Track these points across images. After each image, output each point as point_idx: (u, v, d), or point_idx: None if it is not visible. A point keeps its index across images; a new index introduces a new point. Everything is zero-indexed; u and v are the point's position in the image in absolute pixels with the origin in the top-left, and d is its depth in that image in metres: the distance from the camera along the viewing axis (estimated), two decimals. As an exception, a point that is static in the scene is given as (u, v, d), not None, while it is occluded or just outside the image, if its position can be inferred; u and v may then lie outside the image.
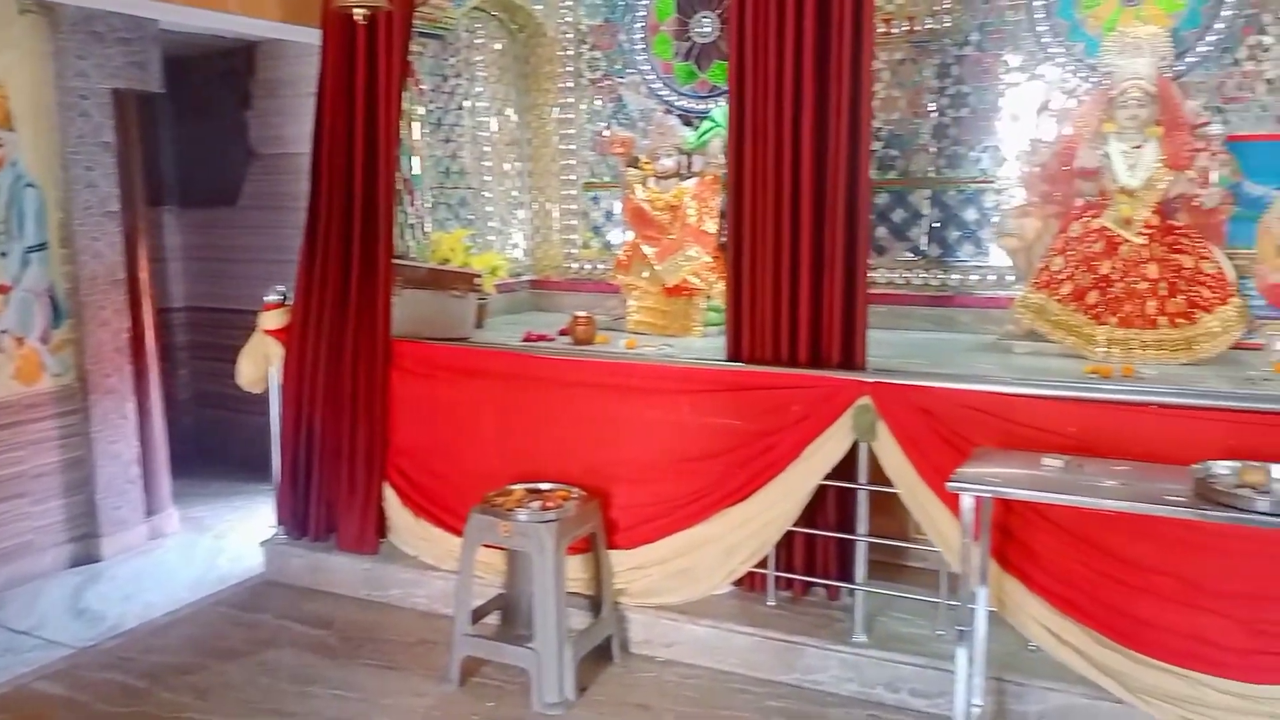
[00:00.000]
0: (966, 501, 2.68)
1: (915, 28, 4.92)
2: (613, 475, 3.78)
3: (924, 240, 5.03)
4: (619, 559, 3.76)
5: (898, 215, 5.08)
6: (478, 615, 3.63)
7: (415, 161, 5.21)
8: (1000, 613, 3.16)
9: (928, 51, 4.93)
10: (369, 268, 4.22)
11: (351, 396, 4.24)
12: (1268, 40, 4.32)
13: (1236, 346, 3.97)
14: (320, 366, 4.30)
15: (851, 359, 3.56)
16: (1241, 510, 2.38)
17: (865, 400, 3.31)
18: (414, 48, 4.79)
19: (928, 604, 3.45)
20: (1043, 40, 4.69)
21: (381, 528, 4.32)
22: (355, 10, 3.57)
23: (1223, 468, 2.59)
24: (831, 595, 3.70)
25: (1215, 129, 4.03)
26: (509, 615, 3.79)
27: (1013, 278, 4.66)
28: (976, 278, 4.95)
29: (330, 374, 4.29)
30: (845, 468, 3.42)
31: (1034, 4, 4.68)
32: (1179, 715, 2.88)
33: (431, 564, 4.17)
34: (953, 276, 5.00)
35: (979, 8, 4.79)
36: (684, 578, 3.70)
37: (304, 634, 3.98)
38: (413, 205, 5.16)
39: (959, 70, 4.87)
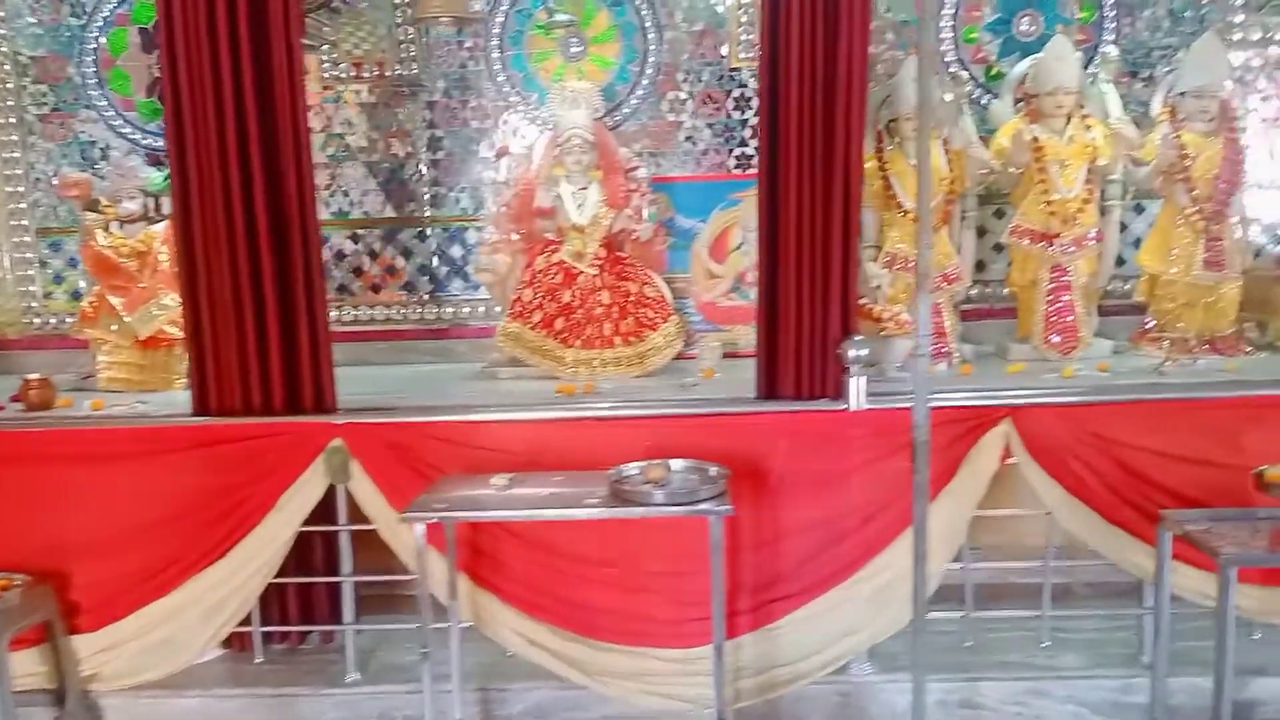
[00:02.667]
0: (418, 529, 2.82)
1: (386, 72, 5.09)
2: (73, 553, 3.43)
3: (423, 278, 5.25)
4: (86, 643, 3.42)
5: (390, 252, 5.23)
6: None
7: None
8: (479, 627, 3.37)
9: (402, 96, 5.13)
10: None
11: None
12: (683, 95, 5.10)
13: (679, 357, 4.63)
14: None
15: (323, 401, 3.58)
16: (642, 504, 2.79)
17: (337, 442, 3.35)
18: None
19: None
20: (503, 90, 5.10)
21: None
22: None
23: (633, 468, 3.00)
24: (326, 639, 3.70)
25: (643, 171, 4.65)
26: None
27: (498, 308, 5.00)
28: (468, 310, 5.24)
29: None
30: (328, 510, 3.44)
31: (491, 56, 5.08)
32: (632, 689, 3.29)
33: None
34: (447, 310, 5.25)
35: (444, 56, 5.09)
36: (165, 649, 3.46)
37: None
38: None
39: (432, 115, 5.13)
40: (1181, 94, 4.52)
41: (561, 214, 4.56)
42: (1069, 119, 4.51)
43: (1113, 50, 4.74)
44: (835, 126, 3.33)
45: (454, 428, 3.41)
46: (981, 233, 5.05)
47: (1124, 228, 5.04)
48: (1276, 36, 4.99)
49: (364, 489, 3.35)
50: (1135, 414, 3.30)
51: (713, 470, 2.96)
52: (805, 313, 3.41)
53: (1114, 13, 4.98)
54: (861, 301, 4.21)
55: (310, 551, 3.58)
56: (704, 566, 2.89)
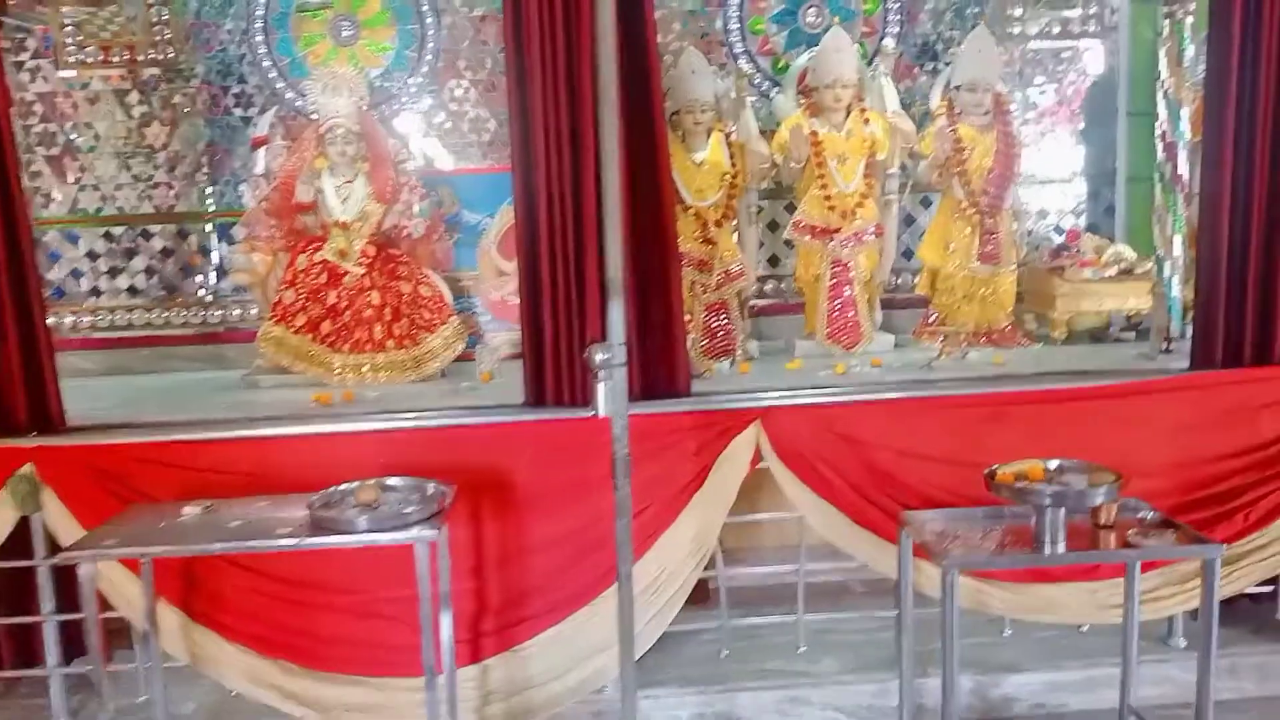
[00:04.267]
0: (83, 570, 2.52)
1: (138, 57, 4.68)
2: None
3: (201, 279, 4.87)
4: None
5: (149, 252, 4.83)
6: None
7: None
8: (196, 666, 3.08)
9: (158, 82, 4.73)
10: None
11: None
12: (465, 84, 4.86)
13: (461, 359, 4.40)
14: None
15: (46, 418, 3.22)
16: (340, 532, 2.56)
17: (26, 468, 3.00)
18: None
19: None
20: (269, 76, 4.76)
21: None
22: None
23: (345, 489, 2.76)
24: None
25: (414, 163, 4.40)
26: None
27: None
28: (239, 312, 4.88)
29: None
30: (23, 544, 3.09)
31: (256, 40, 4.73)
32: (369, 722, 3.06)
33: None
34: (215, 312, 4.88)
35: (202, 40, 4.71)
36: None
37: None
38: None
39: (193, 103, 4.75)
40: (957, 87, 4.55)
41: (324, 209, 4.27)
42: (849, 112, 4.48)
43: (890, 43, 4.74)
44: (583, 115, 3.14)
45: (170, 449, 3.11)
46: (775, 227, 5.00)
47: (912, 221, 5.09)
48: (1054, 29, 5.09)
49: (59, 520, 3.02)
50: (881, 413, 3.25)
51: (431, 489, 2.75)
52: (563, 314, 3.22)
53: (897, 5, 4.97)
54: (638, 300, 4.10)
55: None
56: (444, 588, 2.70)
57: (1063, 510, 2.69)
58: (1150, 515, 2.86)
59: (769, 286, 5.06)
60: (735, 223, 4.53)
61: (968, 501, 3.07)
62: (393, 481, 2.80)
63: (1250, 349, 3.35)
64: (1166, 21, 4.01)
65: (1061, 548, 2.68)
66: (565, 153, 3.15)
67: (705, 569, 3.25)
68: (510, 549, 3.11)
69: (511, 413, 3.27)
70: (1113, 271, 4.57)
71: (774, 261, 5.06)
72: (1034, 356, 4.36)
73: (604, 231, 2.66)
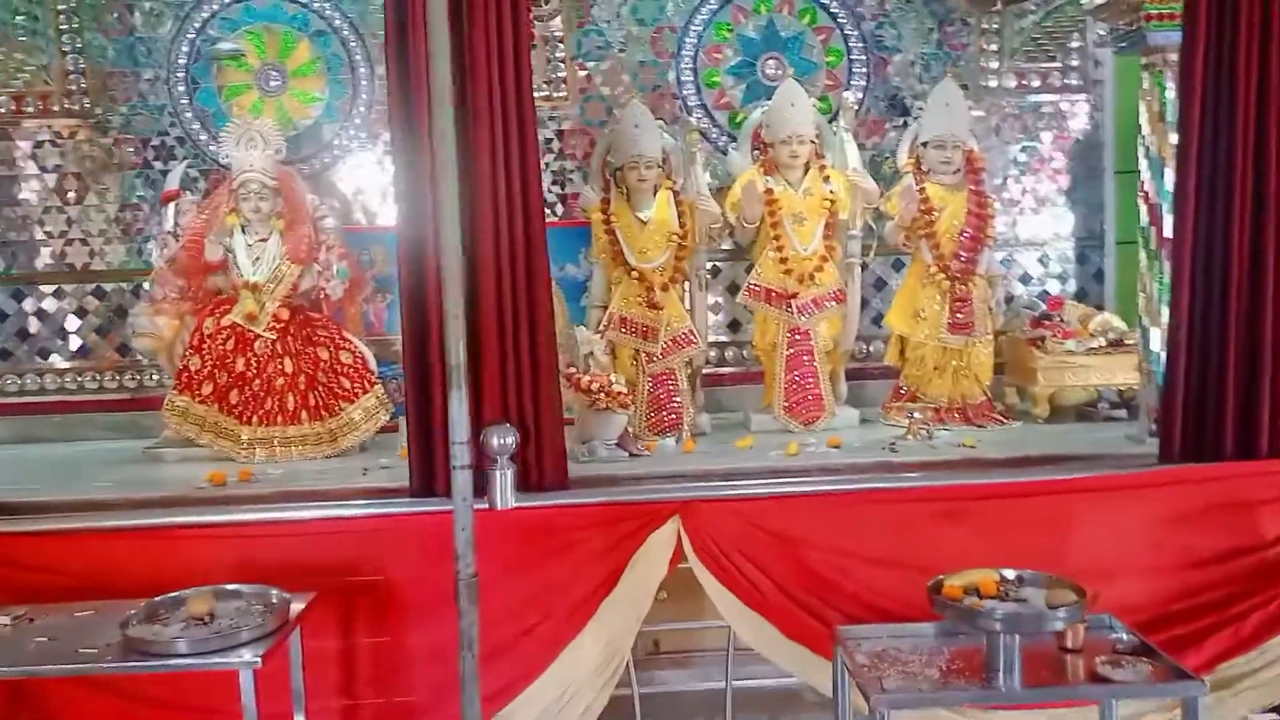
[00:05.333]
0: None
1: (52, 107, 4.41)
2: None
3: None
4: None
5: (61, 313, 4.51)
6: None
7: None
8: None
9: (74, 133, 4.45)
10: None
11: None
12: (401, 138, 4.56)
13: (384, 430, 4.03)
14: None
15: None
16: (154, 656, 2.17)
17: None
18: None
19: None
20: (192, 128, 4.47)
21: None
22: None
23: (175, 597, 2.37)
24: None
25: (332, 221, 4.07)
26: None
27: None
28: (156, 378, 4.53)
29: None
30: None
31: (177, 90, 4.45)
32: None
33: None
34: (130, 378, 4.55)
35: (121, 87, 4.44)
36: None
37: None
38: None
39: (111, 155, 4.46)
40: (924, 144, 4.21)
41: (234, 269, 3.94)
42: (807, 170, 4.15)
43: (850, 95, 4.42)
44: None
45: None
46: (735, 289, 4.64)
47: (883, 285, 4.73)
48: (1033, 83, 4.77)
49: None
50: (820, 508, 2.85)
51: (276, 597, 2.36)
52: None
53: (863, 57, 4.66)
54: (570, 371, 3.74)
55: None
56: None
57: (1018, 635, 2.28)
58: (1125, 639, 2.45)
59: (730, 354, 4.69)
60: (686, 286, 4.20)
61: (919, 612, 2.63)
62: (235, 588, 2.42)
63: (1232, 439, 2.95)
64: (1146, 74, 3.68)
65: (1017, 681, 2.26)
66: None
67: (620, 685, 2.84)
68: (385, 662, 2.71)
69: (396, 504, 2.88)
70: (1100, 343, 4.18)
71: (734, 326, 4.70)
72: (1011, 436, 3.96)
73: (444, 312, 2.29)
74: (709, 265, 4.51)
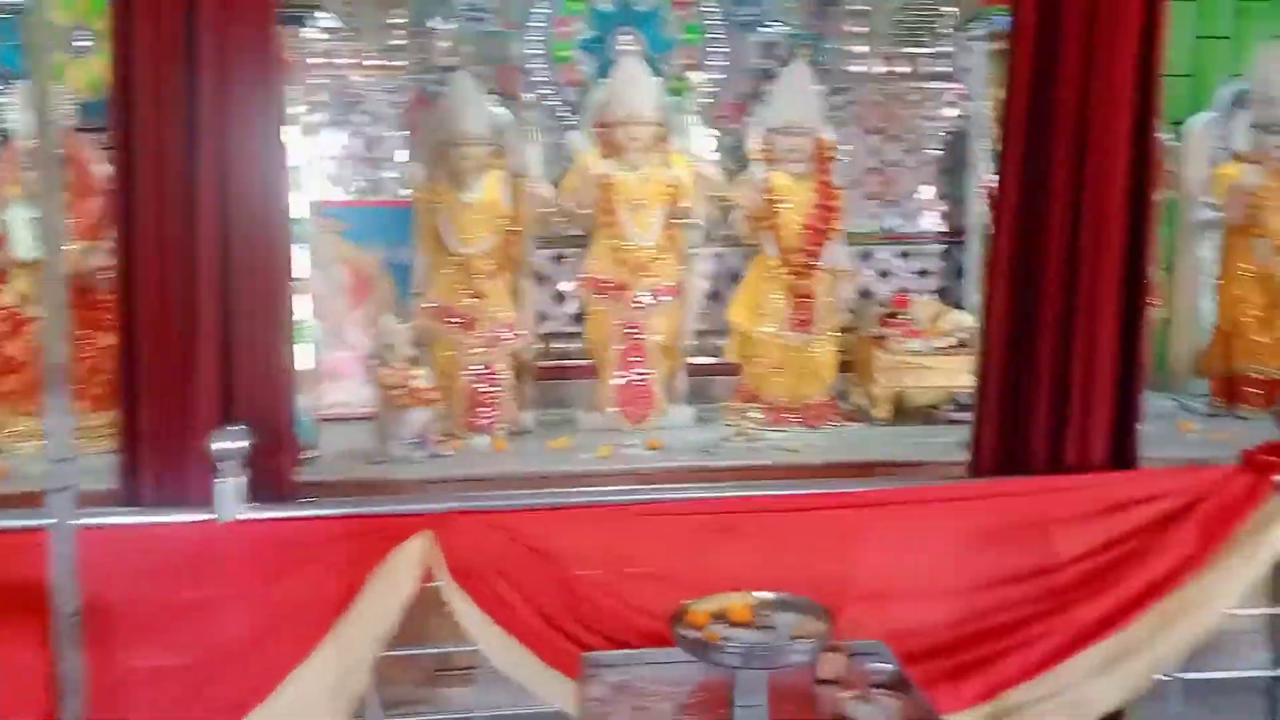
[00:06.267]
0: None
1: None
2: None
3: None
4: None
5: None
6: None
7: None
8: None
9: None
10: None
11: None
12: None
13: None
14: None
15: None
16: None
17: None
18: None
19: None
20: (-12, 84, 4.11)
21: None
22: None
23: None
24: None
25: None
26: None
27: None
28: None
29: None
30: None
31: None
32: None
33: None
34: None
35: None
36: None
37: None
38: None
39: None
40: (773, 130, 4.00)
41: (10, 245, 3.62)
42: (652, 154, 3.92)
43: (696, 76, 4.19)
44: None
45: None
46: (577, 279, 4.39)
47: (738, 279, 4.50)
48: (902, 69, 4.56)
49: None
50: (589, 522, 2.62)
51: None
52: (171, 384, 2.58)
53: (724, 35, 4.43)
54: (372, 363, 3.49)
55: None
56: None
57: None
58: (885, 670, 2.26)
59: (574, 346, 4.44)
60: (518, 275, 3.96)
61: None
62: None
63: (1043, 452, 2.78)
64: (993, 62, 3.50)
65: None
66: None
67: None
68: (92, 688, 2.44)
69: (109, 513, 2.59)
70: (950, 342, 4.02)
71: (580, 318, 4.45)
72: (844, 439, 3.78)
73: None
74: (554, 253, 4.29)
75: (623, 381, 3.87)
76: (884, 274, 4.57)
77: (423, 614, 2.58)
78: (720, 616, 2.21)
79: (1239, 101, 4.11)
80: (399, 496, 2.93)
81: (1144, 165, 2.74)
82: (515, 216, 3.85)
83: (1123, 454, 2.82)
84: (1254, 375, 3.92)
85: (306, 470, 3.13)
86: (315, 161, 4.14)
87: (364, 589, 2.51)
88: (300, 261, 3.27)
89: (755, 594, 2.28)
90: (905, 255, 4.59)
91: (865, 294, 4.48)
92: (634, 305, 3.84)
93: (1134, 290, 2.78)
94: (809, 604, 2.26)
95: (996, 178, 2.82)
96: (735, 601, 2.25)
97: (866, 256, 4.54)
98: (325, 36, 3.97)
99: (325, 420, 3.60)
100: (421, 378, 3.46)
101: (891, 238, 4.57)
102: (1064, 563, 2.61)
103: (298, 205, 3.24)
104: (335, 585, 2.50)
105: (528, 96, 4.06)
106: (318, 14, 3.49)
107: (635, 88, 3.86)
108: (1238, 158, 4.06)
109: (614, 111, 3.88)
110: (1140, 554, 2.61)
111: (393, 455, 3.39)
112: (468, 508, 2.60)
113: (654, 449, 3.55)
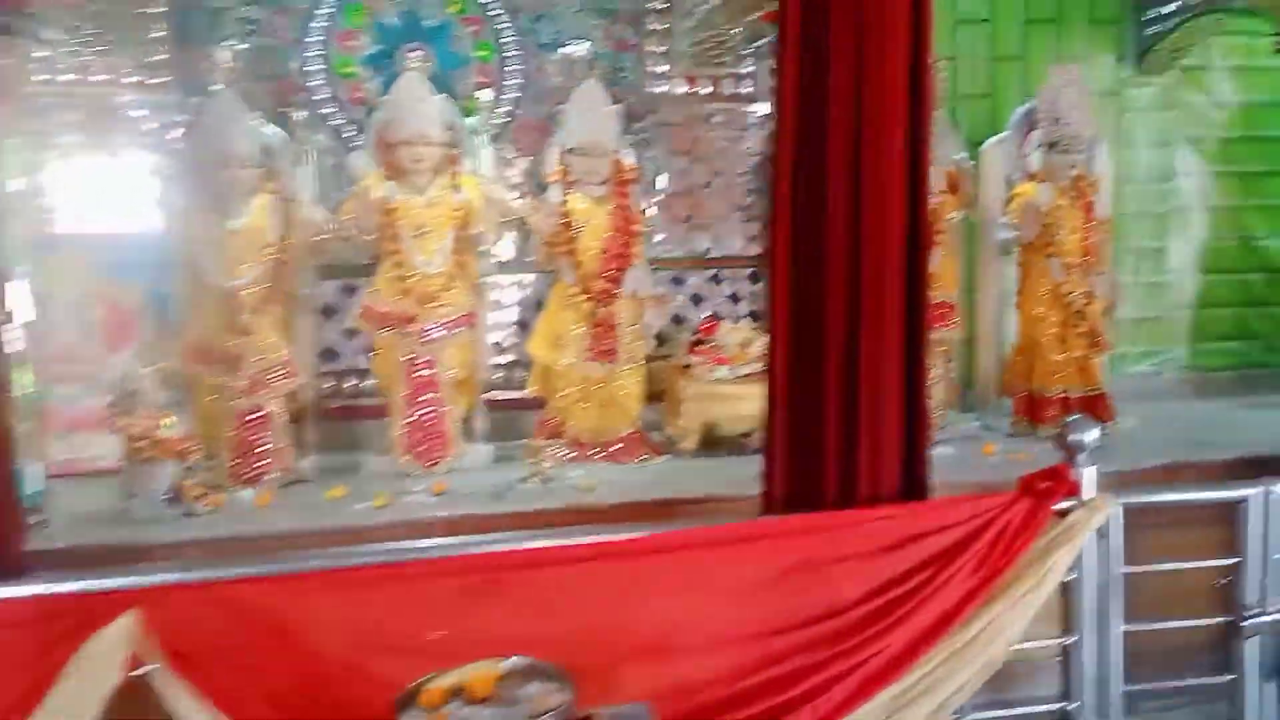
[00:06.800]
0: None
1: None
2: None
3: None
4: None
5: None
6: None
7: None
8: None
9: None
10: None
11: None
12: None
13: None
14: None
15: None
16: None
17: None
18: None
19: None
20: None
21: None
22: None
23: None
24: None
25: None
26: None
27: None
28: None
29: None
30: None
31: None
32: None
33: None
34: None
35: None
36: None
37: None
38: None
39: None
40: (570, 151, 3.81)
41: None
42: (439, 176, 3.66)
43: (485, 94, 3.97)
44: None
45: None
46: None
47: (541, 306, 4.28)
48: (705, 90, 4.45)
49: None
50: (333, 588, 2.32)
51: None
52: None
53: (520, 53, 4.23)
54: (113, 412, 3.10)
55: None
56: None
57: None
58: (647, 740, 2.05)
59: (369, 384, 4.12)
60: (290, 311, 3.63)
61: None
62: None
63: (833, 486, 2.64)
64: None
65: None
66: None
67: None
68: None
69: None
70: (758, 368, 3.86)
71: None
72: (649, 475, 3.60)
73: None
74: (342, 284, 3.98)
75: (413, 421, 3.58)
76: (696, 299, 4.44)
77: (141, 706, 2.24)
78: (458, 692, 1.96)
79: (1030, 121, 4.15)
80: (127, 567, 2.55)
81: (918, 183, 2.65)
82: (285, 244, 3.52)
83: (914, 483, 2.72)
84: (1051, 395, 3.93)
85: (37, 537, 2.74)
86: (62, 187, 3.76)
87: (55, 684, 2.14)
88: (19, 298, 2.89)
89: (504, 662, 2.04)
90: (717, 280, 4.48)
91: (678, 320, 4.34)
92: (423, 339, 3.56)
93: (915, 313, 2.68)
94: (552, 671, 2.03)
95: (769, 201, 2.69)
96: (480, 673, 2.00)
97: (679, 282, 4.41)
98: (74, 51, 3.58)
99: (61, 477, 3.19)
100: (170, 426, 3.09)
101: (702, 262, 4.44)
102: (851, 603, 2.47)
103: (13, 235, 2.86)
104: (23, 677, 2.12)
105: (299, 115, 3.74)
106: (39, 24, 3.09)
107: (417, 106, 3.61)
108: (1031, 177, 4.09)
109: (396, 131, 3.62)
110: (926, 589, 2.48)
111: (138, 515, 3.01)
112: (186, 580, 2.26)
113: (440, 493, 3.27)
